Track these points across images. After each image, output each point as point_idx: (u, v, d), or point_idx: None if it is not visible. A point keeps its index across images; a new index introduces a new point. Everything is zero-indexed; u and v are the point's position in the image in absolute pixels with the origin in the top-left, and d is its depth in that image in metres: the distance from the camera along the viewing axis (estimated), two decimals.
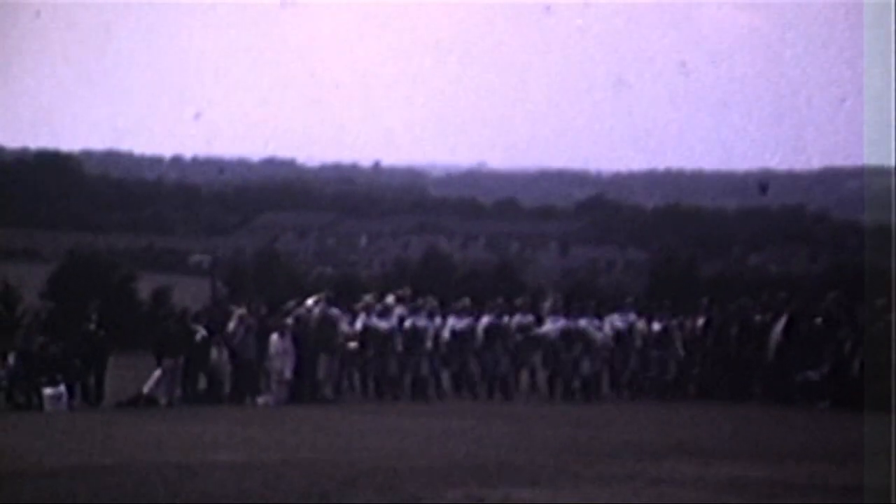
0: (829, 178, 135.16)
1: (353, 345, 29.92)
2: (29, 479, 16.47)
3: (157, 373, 28.73)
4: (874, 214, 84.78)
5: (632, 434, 22.57)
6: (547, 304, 31.82)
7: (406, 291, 32.01)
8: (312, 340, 29.43)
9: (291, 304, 30.70)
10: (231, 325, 29.52)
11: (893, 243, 46.94)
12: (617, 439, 21.72)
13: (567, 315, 30.73)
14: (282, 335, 29.17)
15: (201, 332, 29.23)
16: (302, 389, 29.38)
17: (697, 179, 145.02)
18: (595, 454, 19.46)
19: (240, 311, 30.04)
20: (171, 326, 30.41)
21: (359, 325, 30.08)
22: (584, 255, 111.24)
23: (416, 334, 30.05)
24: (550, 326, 30.45)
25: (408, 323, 30.13)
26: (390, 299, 30.95)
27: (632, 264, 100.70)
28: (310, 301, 30.51)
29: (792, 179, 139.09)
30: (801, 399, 28.21)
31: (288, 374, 29.13)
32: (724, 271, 73.67)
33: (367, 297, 31.40)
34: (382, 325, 30.07)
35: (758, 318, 29.75)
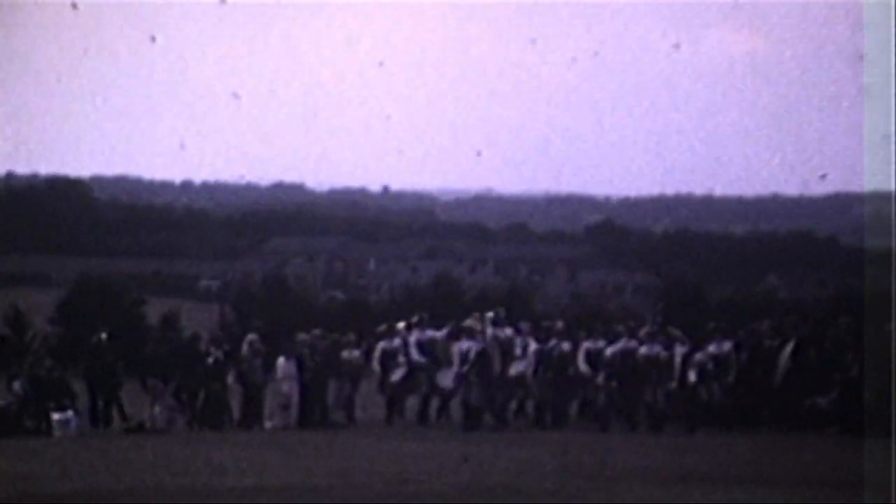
0: (838, 204, 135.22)
1: (397, 375, 28.99)
2: None
3: (165, 397, 28.77)
4: (877, 239, 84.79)
5: (639, 460, 22.52)
6: (644, 330, 29.46)
7: (500, 312, 29.73)
8: (321, 364, 29.44)
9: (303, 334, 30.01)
10: (243, 350, 29.57)
11: (894, 267, 46.72)
12: (624, 465, 21.67)
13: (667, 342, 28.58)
14: (288, 359, 29.23)
15: (211, 357, 29.29)
16: (312, 414, 29.40)
17: (706, 204, 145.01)
18: (602, 480, 19.43)
19: (250, 336, 30.07)
20: (179, 351, 30.44)
21: (463, 347, 28.15)
22: (593, 280, 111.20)
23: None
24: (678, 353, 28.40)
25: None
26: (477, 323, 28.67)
27: (641, 288, 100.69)
28: (401, 324, 29.78)
29: (800, 204, 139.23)
30: (809, 425, 28.08)
31: (295, 397, 29.18)
32: (734, 296, 73.59)
33: (469, 321, 29.15)
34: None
35: (767, 343, 29.62)
